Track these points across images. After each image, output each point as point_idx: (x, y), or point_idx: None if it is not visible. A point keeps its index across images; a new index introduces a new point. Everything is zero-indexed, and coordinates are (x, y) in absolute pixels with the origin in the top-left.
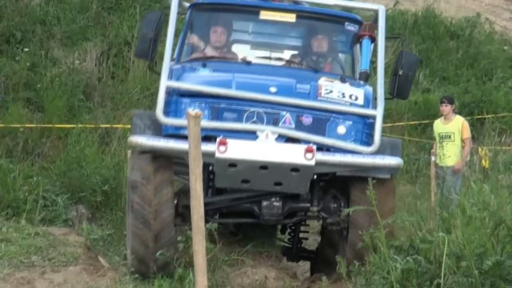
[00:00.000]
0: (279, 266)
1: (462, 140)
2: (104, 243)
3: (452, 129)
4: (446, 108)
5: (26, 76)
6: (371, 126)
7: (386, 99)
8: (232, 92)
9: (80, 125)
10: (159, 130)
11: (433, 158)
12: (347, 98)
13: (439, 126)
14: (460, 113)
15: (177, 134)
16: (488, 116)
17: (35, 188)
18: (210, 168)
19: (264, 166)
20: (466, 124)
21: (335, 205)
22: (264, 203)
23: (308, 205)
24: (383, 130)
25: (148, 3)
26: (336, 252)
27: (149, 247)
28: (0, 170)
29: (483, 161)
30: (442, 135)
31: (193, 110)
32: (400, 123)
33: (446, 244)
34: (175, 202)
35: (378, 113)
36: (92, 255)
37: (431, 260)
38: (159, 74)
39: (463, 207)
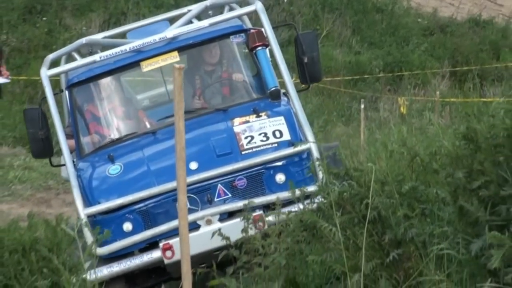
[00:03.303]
0: None
1: None
2: None
3: None
4: None
5: (44, 39)
6: (309, 156)
7: (301, 91)
8: (155, 189)
9: None
10: None
11: (362, 106)
12: (272, 139)
13: None
14: (383, 71)
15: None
16: (406, 73)
17: (52, 126)
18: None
19: (218, 249)
20: None
21: None
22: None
23: None
24: (324, 83)
25: None
26: None
27: None
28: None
29: (401, 108)
30: None
31: None
32: (338, 78)
33: (373, 173)
34: None
35: (311, 145)
36: None
37: (362, 185)
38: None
39: (385, 144)
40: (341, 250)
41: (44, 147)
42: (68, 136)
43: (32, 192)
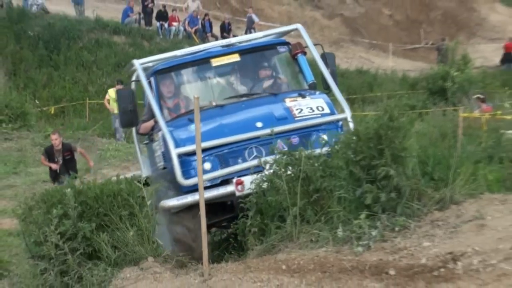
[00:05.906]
0: None
1: None
2: None
3: None
4: None
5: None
6: (342, 126)
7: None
8: (232, 138)
9: None
10: (177, 185)
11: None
12: (316, 111)
13: None
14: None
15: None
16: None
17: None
18: (229, 203)
19: None
20: None
21: None
22: None
23: None
24: None
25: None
26: None
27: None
28: None
29: None
30: None
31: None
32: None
33: (304, 153)
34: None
35: (348, 115)
36: None
37: (297, 159)
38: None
39: None
40: (286, 194)
41: (132, 118)
42: (143, 121)
43: (119, 162)
